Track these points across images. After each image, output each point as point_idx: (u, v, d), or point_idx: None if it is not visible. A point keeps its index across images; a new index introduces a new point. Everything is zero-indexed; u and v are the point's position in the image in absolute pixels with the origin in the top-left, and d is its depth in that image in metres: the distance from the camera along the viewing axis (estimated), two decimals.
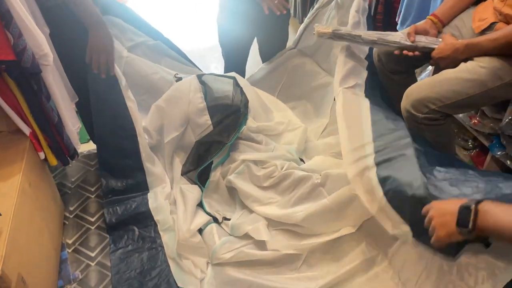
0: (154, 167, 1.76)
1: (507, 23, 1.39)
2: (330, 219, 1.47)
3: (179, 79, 1.92)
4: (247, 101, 1.84)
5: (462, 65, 1.42)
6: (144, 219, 1.62)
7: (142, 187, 1.72)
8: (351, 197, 1.41)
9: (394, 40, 1.52)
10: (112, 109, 1.69)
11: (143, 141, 1.73)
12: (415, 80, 1.88)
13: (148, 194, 1.70)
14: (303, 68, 2.27)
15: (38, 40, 1.34)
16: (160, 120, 1.81)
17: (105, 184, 1.74)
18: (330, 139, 1.90)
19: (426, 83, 1.44)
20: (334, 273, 1.37)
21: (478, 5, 1.57)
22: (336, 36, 1.56)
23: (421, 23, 1.58)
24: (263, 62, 2.41)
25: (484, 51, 1.36)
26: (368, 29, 1.73)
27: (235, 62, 2.33)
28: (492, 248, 1.08)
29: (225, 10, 2.14)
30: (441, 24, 1.57)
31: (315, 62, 2.28)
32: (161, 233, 1.58)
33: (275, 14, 2.09)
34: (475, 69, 1.37)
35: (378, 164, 1.27)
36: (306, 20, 2.27)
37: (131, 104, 1.73)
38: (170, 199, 1.70)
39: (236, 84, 1.89)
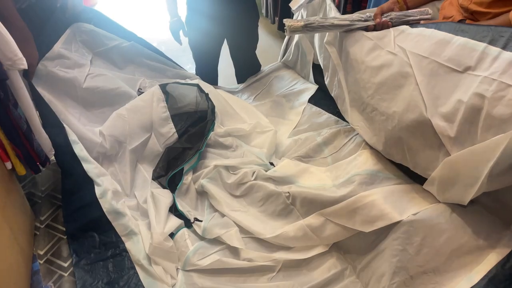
0: (90, 161, 1.70)
1: (474, 20, 1.41)
2: (303, 239, 1.50)
3: (142, 93, 1.93)
4: (213, 107, 1.87)
5: None
6: (102, 224, 1.57)
7: (84, 179, 1.64)
8: (326, 223, 1.45)
9: (368, 23, 1.53)
10: (43, 112, 1.68)
11: (71, 131, 1.70)
12: None
13: (97, 194, 1.59)
14: (284, 77, 2.38)
15: (11, 44, 1.32)
16: (120, 128, 1.80)
17: (62, 185, 1.72)
18: (298, 136, 1.94)
19: None
20: (306, 284, 1.40)
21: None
22: (308, 29, 1.56)
23: (386, 3, 1.58)
24: (233, 63, 2.42)
25: None
26: None
27: (206, 64, 2.33)
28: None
29: (193, 12, 2.13)
30: (405, 6, 1.59)
31: (296, 73, 2.39)
32: (123, 238, 1.55)
33: (243, 14, 2.10)
34: None
35: None
36: (287, 36, 2.30)
37: (97, 113, 1.72)
38: (130, 207, 1.67)
39: (201, 91, 1.91)
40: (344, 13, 2.54)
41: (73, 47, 1.89)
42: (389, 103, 1.43)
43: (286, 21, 1.58)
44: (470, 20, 1.43)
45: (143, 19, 3.90)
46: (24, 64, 1.35)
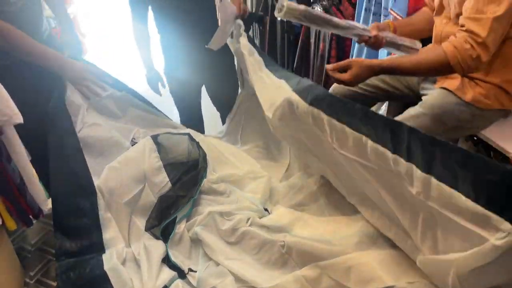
0: (110, 227, 1.70)
1: None
2: None
3: (135, 143, 1.95)
4: (205, 155, 1.89)
5: (408, 112, 1.50)
6: (99, 284, 1.51)
7: (98, 248, 1.63)
8: (322, 276, 1.42)
9: (365, 32, 1.50)
10: (71, 168, 1.67)
11: (101, 200, 1.71)
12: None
13: (104, 255, 1.60)
14: (255, 108, 2.25)
15: (7, 100, 1.34)
16: (114, 181, 1.79)
17: (59, 246, 1.64)
18: (292, 180, 1.93)
19: None
20: None
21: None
22: (306, 16, 1.42)
23: (381, 22, 1.63)
24: (216, 108, 2.49)
25: (405, 73, 1.40)
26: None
27: (189, 109, 2.40)
28: None
29: (170, 62, 2.22)
30: (395, 32, 1.61)
31: None
32: None
33: (220, 58, 2.17)
34: (419, 116, 1.45)
35: None
36: (279, 17, 2.26)
37: (92, 162, 1.72)
38: (127, 258, 1.63)
39: (191, 140, 1.94)
40: (328, 56, 2.62)
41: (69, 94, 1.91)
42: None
43: (284, 2, 1.40)
44: None
45: (129, 67, 3.98)
46: (20, 119, 1.36)
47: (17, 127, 1.60)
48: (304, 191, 1.82)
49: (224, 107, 2.45)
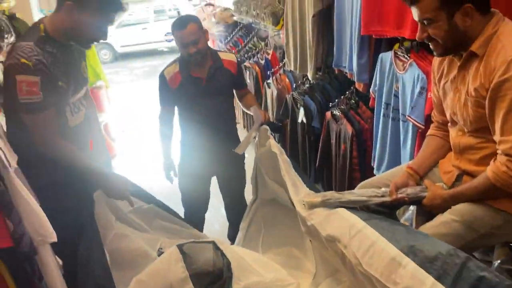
0: None
1: (471, 175, 1.47)
2: None
3: (161, 253, 1.96)
4: (229, 263, 1.85)
5: (438, 218, 1.48)
6: None
7: None
8: None
9: (384, 199, 1.55)
10: (97, 284, 1.67)
11: None
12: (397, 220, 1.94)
13: None
14: (274, 215, 2.36)
15: (44, 220, 1.40)
16: None
17: None
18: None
19: None
20: None
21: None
22: (326, 204, 1.61)
23: (399, 177, 1.63)
24: (224, 199, 2.62)
25: (468, 198, 1.42)
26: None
27: (194, 208, 2.52)
28: None
29: (185, 155, 2.45)
30: (418, 176, 1.64)
31: (279, 202, 2.32)
32: None
33: (233, 164, 2.41)
34: (450, 223, 1.43)
35: None
36: (252, 173, 2.37)
37: (119, 275, 1.73)
38: None
39: (216, 248, 1.93)
40: (351, 157, 2.64)
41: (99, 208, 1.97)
42: None
43: (305, 198, 1.69)
44: (466, 176, 1.50)
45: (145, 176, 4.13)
46: (54, 238, 1.41)
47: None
48: None
49: (235, 212, 2.57)
